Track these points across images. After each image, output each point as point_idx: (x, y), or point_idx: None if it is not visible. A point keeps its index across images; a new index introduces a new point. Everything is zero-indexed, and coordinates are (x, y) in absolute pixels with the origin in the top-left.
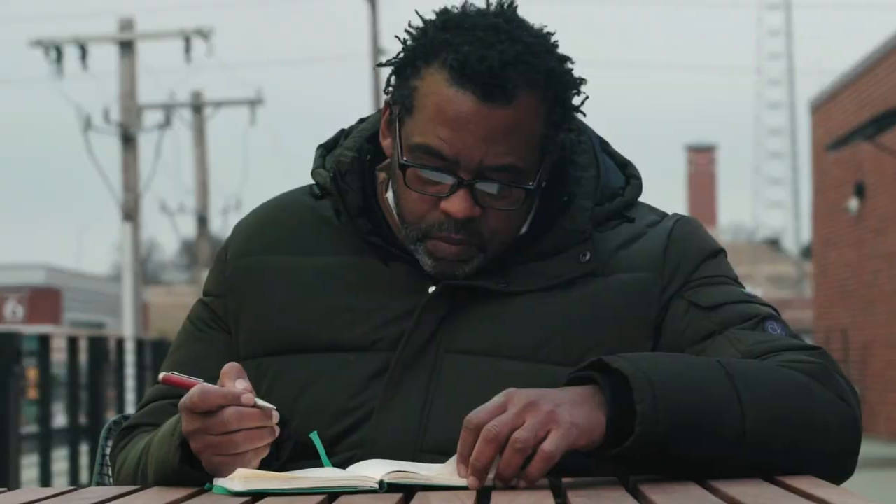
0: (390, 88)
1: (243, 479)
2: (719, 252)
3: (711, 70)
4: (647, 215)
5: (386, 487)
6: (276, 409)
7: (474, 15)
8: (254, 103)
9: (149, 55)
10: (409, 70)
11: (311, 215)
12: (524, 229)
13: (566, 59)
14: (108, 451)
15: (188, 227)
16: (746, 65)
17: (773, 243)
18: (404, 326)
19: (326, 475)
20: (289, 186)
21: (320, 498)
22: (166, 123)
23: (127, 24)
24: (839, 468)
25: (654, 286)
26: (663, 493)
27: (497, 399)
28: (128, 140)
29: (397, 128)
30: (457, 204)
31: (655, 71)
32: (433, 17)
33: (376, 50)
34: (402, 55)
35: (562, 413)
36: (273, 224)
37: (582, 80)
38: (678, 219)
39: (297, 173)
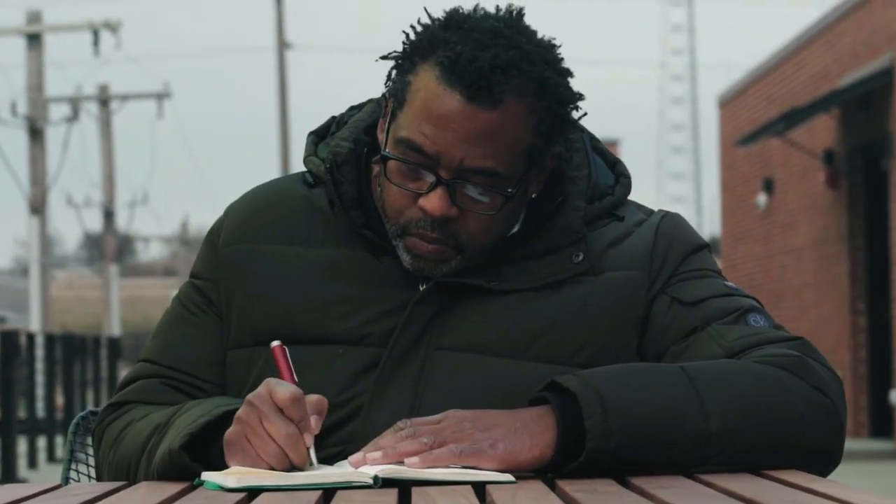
0: (389, 82)
1: (237, 475)
2: (703, 246)
3: (616, 65)
4: (635, 213)
5: (380, 483)
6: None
7: (478, 17)
8: (161, 96)
9: (56, 48)
10: (406, 64)
11: (304, 204)
12: (516, 228)
13: (566, 72)
14: (76, 447)
15: (94, 221)
16: (650, 60)
17: None
18: (395, 321)
19: (320, 472)
20: (196, 180)
21: (317, 494)
22: (74, 117)
23: (34, 17)
24: (822, 460)
25: (642, 285)
26: (660, 488)
27: (437, 416)
28: (35, 133)
29: (389, 120)
30: (434, 202)
31: None
32: (441, 15)
33: (282, 43)
34: (402, 49)
35: (488, 435)
36: (266, 211)
37: (580, 96)
38: (664, 215)
39: (205, 166)
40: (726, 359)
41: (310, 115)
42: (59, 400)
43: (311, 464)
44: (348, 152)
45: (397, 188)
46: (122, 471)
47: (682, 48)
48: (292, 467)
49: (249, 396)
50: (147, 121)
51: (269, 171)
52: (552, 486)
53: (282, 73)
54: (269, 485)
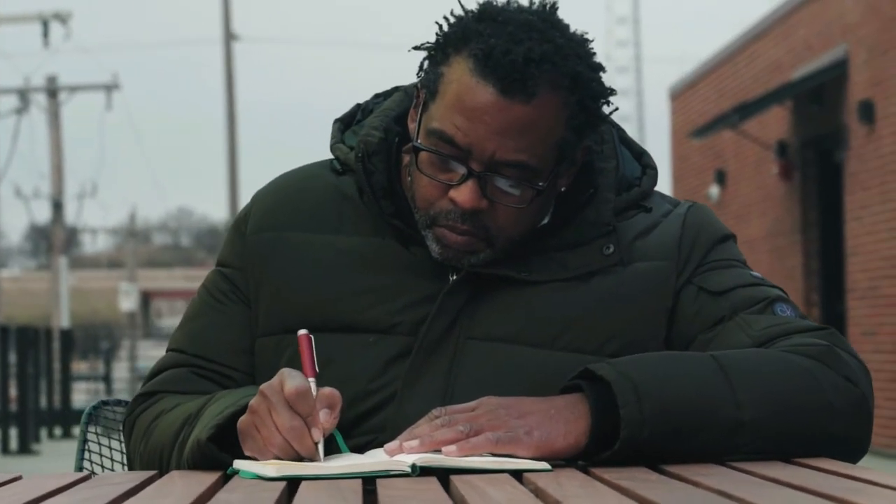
0: (422, 73)
1: (276, 465)
2: (729, 237)
3: None
4: (661, 204)
5: (418, 471)
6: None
7: (512, 10)
8: (110, 88)
9: (6, 39)
10: (439, 56)
11: (333, 192)
12: (546, 220)
13: (598, 66)
14: (89, 436)
15: (42, 213)
16: (596, 52)
17: None
18: (425, 311)
19: (357, 461)
20: (147, 171)
21: (358, 483)
22: (23, 108)
23: None
24: (850, 449)
25: (670, 275)
26: (701, 476)
27: (472, 403)
28: None
29: (420, 111)
30: (464, 194)
31: None
32: (474, 7)
33: (228, 35)
34: (436, 40)
35: (523, 422)
36: (294, 198)
37: (611, 91)
38: (690, 206)
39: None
40: (755, 348)
41: (257, 106)
42: (13, 392)
43: (320, 458)
44: (379, 141)
45: (428, 179)
46: (154, 461)
47: (627, 40)
48: (305, 458)
49: (263, 387)
50: (96, 112)
51: (217, 163)
52: (586, 475)
53: (228, 64)
54: (309, 474)
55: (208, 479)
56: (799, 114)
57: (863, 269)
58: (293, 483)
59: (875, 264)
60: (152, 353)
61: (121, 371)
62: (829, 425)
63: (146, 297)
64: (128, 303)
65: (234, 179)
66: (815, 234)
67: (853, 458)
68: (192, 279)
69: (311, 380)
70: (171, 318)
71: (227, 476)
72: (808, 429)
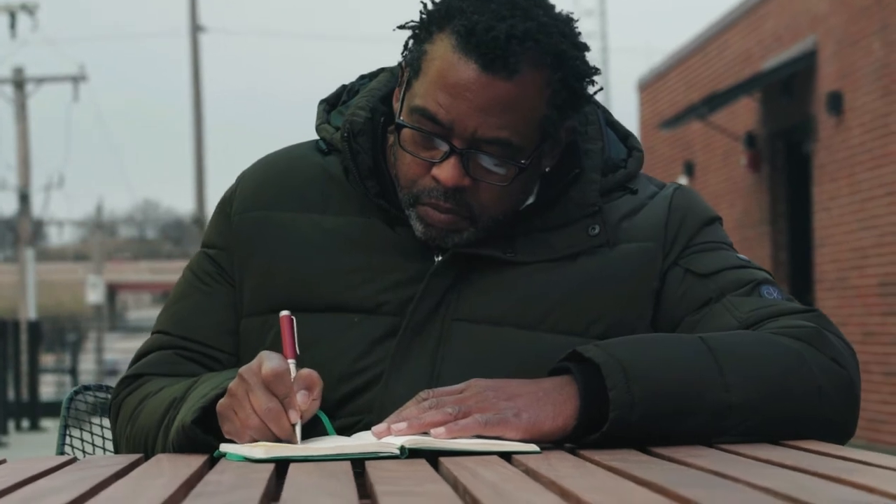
0: (406, 52)
1: (264, 447)
2: (715, 219)
3: None
4: (647, 186)
5: (407, 453)
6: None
7: None
8: (77, 80)
9: None
10: (423, 34)
11: (318, 172)
12: (531, 200)
13: (582, 46)
14: (69, 421)
15: (9, 205)
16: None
17: None
18: (411, 291)
19: (345, 442)
20: (113, 162)
21: (348, 464)
22: None
23: None
24: (838, 431)
25: (656, 256)
26: (692, 457)
27: (460, 385)
28: None
29: (404, 89)
30: (447, 171)
31: None
32: None
33: (195, 27)
34: (420, 19)
35: (511, 404)
36: (280, 178)
37: (596, 70)
38: (677, 188)
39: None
40: (743, 330)
41: (225, 98)
42: None
43: (297, 440)
44: (365, 122)
45: (411, 157)
46: (139, 444)
47: (593, 32)
48: (283, 440)
49: (241, 369)
50: (63, 104)
51: (184, 156)
52: (576, 457)
53: (195, 56)
54: (297, 455)
55: (195, 461)
56: (768, 105)
57: (831, 259)
58: (281, 465)
59: (844, 255)
60: (119, 346)
61: (87, 363)
62: (818, 407)
63: (112, 290)
64: (94, 295)
65: (201, 172)
66: (783, 226)
67: (840, 439)
68: (157, 272)
69: (292, 361)
70: (137, 311)
71: (214, 459)
72: (796, 411)
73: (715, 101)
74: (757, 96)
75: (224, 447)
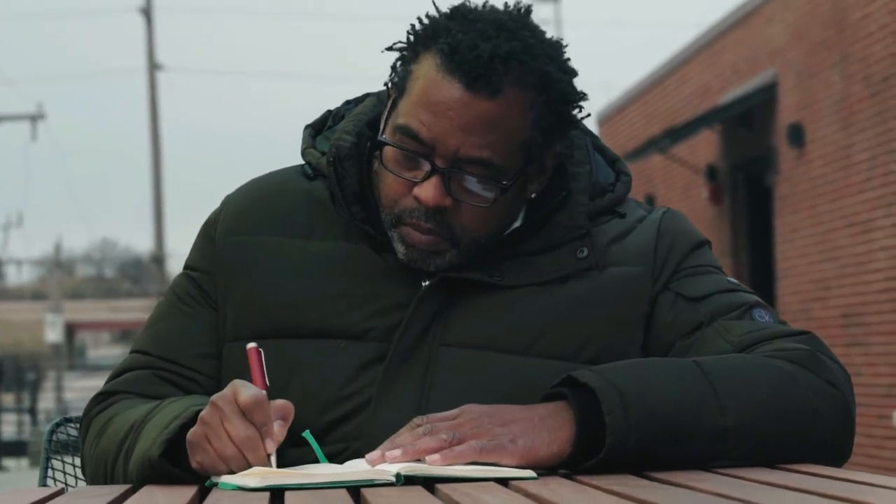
0: (393, 74)
1: (258, 475)
2: (704, 242)
3: None
4: (635, 210)
5: (402, 480)
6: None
7: (485, 10)
8: (35, 118)
9: None
10: (409, 54)
11: (304, 196)
12: (518, 224)
13: (570, 70)
14: (52, 454)
15: None
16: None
17: None
18: (398, 317)
19: (340, 470)
20: (72, 201)
21: (345, 492)
22: None
23: None
24: (833, 454)
25: (646, 280)
26: (693, 481)
27: (454, 410)
28: None
29: (389, 109)
30: (427, 191)
31: None
32: (447, 7)
33: (152, 64)
34: (407, 40)
35: (506, 430)
36: (265, 203)
37: (583, 95)
38: (665, 212)
39: (78, 188)
40: (737, 353)
41: (182, 135)
42: None
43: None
44: (351, 146)
45: (393, 176)
46: (100, 467)
47: None
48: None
49: (214, 397)
50: (21, 143)
51: (142, 194)
52: (573, 482)
53: (153, 94)
54: (293, 483)
55: (188, 492)
56: (728, 138)
57: (793, 291)
58: (276, 493)
59: (806, 287)
60: (78, 385)
61: (47, 402)
62: (814, 430)
63: (71, 329)
64: (53, 334)
65: (160, 211)
66: (745, 258)
67: (837, 462)
68: (116, 310)
69: (262, 393)
70: (95, 350)
71: (205, 488)
72: (792, 433)
73: (675, 134)
74: (717, 129)
75: (216, 476)
